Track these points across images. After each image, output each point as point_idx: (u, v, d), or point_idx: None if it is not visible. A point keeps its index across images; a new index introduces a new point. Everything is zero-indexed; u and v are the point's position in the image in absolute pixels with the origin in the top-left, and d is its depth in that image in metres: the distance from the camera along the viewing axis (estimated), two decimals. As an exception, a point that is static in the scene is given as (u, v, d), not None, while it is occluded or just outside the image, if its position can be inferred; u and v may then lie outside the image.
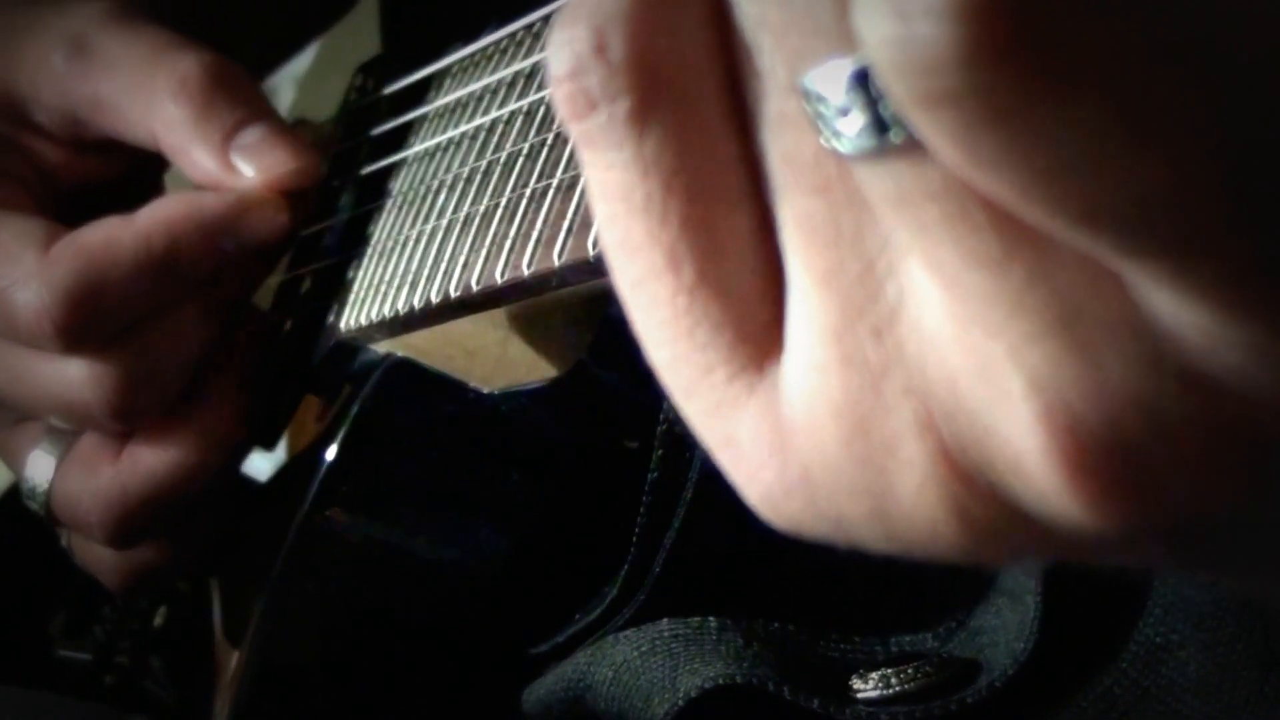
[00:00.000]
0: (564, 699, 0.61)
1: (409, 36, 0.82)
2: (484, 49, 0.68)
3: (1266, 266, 0.23)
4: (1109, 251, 0.24)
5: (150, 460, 0.67)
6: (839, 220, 0.28)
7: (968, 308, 0.26)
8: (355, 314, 0.69)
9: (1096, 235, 0.24)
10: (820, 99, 0.26)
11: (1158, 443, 0.26)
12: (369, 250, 0.71)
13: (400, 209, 0.70)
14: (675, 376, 0.31)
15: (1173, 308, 0.25)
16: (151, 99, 0.68)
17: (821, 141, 0.26)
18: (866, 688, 0.53)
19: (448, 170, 0.66)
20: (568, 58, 0.30)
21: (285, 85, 1.42)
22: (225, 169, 0.67)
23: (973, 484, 0.28)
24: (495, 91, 0.65)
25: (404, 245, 0.67)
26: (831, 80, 0.25)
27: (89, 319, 0.64)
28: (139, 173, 0.70)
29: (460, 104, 0.68)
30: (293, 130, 0.69)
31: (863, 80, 0.25)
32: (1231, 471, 0.26)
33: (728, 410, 0.31)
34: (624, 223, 0.31)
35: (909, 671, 0.53)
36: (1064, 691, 0.52)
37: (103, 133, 0.70)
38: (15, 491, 0.77)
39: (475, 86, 0.67)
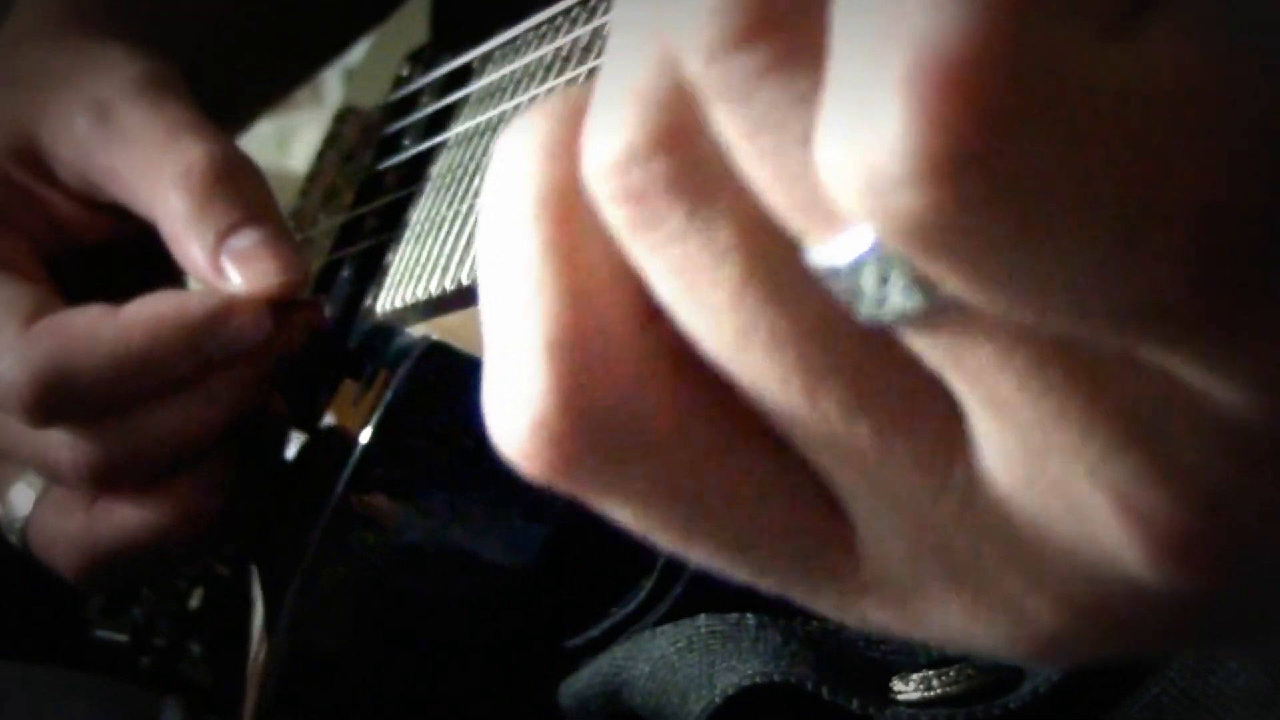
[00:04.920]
0: (600, 693, 0.59)
1: (456, 25, 0.80)
2: (524, 33, 0.66)
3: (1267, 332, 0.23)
4: (1149, 349, 0.23)
5: (123, 515, 0.64)
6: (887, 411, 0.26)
7: (1040, 440, 0.24)
8: (391, 296, 0.67)
9: (1126, 335, 0.23)
10: (847, 274, 0.23)
11: (1244, 516, 0.24)
12: (407, 233, 0.69)
13: (439, 192, 0.67)
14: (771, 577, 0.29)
15: (1221, 390, 0.23)
16: (157, 184, 0.65)
17: (863, 314, 0.23)
18: (907, 689, 0.50)
19: (484, 153, 0.64)
20: None
21: (333, 77, 1.41)
22: (214, 271, 0.63)
23: (1083, 617, 0.26)
24: (532, 74, 0.63)
25: (439, 228, 0.64)
26: (851, 252, 0.23)
27: (58, 403, 0.61)
28: (156, 235, 0.67)
29: (499, 87, 0.66)
30: (287, 236, 0.65)
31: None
32: None
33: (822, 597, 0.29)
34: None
35: (951, 674, 0.50)
36: (1110, 700, 0.49)
37: (115, 200, 0.67)
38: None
39: (513, 68, 0.65)
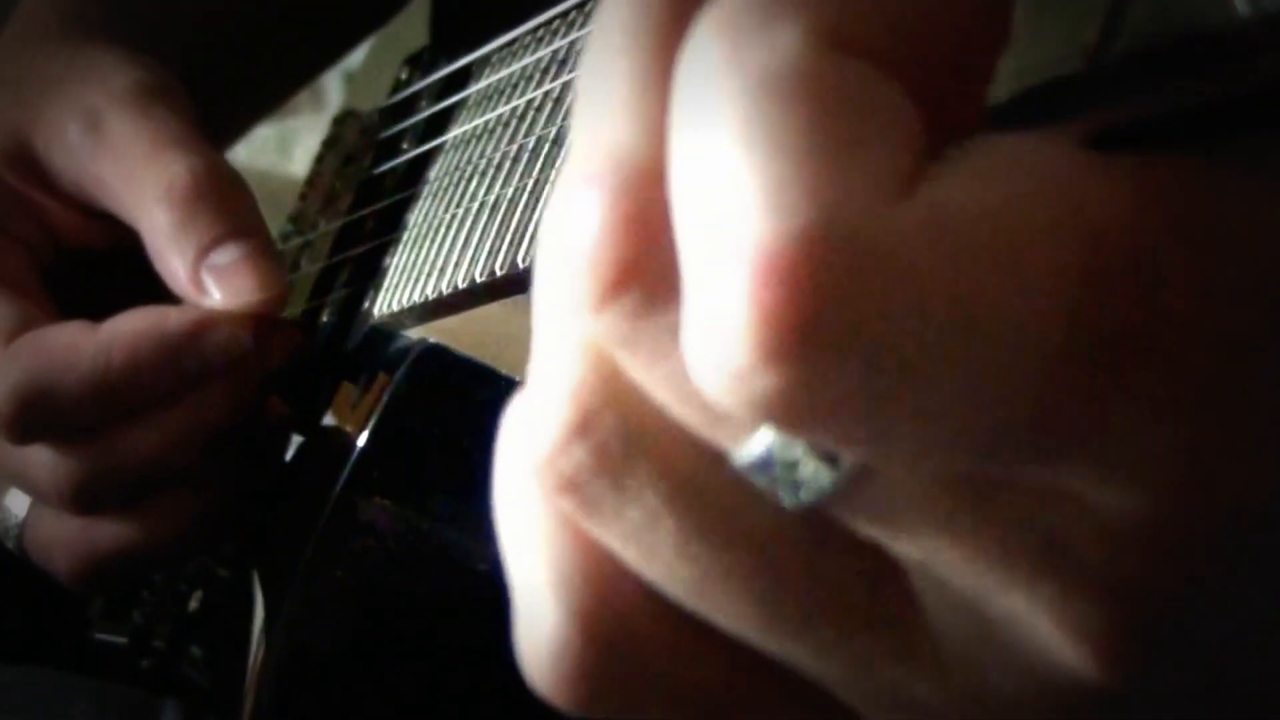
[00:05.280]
0: None
1: (455, 28, 0.79)
2: (521, 36, 0.65)
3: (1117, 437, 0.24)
4: (1029, 471, 0.25)
5: (117, 524, 0.64)
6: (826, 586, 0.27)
7: (974, 582, 0.26)
8: (388, 299, 0.66)
9: (998, 462, 0.24)
10: (764, 467, 0.25)
11: (1160, 606, 0.26)
12: (405, 237, 0.69)
13: (435, 195, 0.67)
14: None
15: (1108, 495, 0.25)
16: (141, 196, 0.64)
17: (789, 503, 0.25)
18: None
19: (480, 156, 0.63)
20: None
21: (334, 81, 1.41)
22: (195, 286, 0.63)
23: None
24: (529, 77, 0.62)
25: (436, 231, 0.64)
26: (758, 447, 0.25)
27: (37, 421, 0.61)
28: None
29: (496, 90, 0.66)
30: (269, 252, 0.64)
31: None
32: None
33: None
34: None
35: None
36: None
37: (106, 209, 0.67)
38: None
39: (510, 72, 0.65)
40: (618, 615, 0.28)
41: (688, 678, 0.28)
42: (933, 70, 0.24)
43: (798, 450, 0.25)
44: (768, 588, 0.27)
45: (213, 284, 0.63)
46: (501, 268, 0.55)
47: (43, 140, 0.67)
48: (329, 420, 0.69)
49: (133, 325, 0.61)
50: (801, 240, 0.23)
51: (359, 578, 0.64)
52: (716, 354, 0.23)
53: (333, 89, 1.40)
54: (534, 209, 0.54)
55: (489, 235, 0.57)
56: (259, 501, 0.69)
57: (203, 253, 0.63)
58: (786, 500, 0.26)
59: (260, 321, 0.63)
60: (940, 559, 0.26)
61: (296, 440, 0.71)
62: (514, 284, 0.55)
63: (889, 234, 0.23)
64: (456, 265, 0.59)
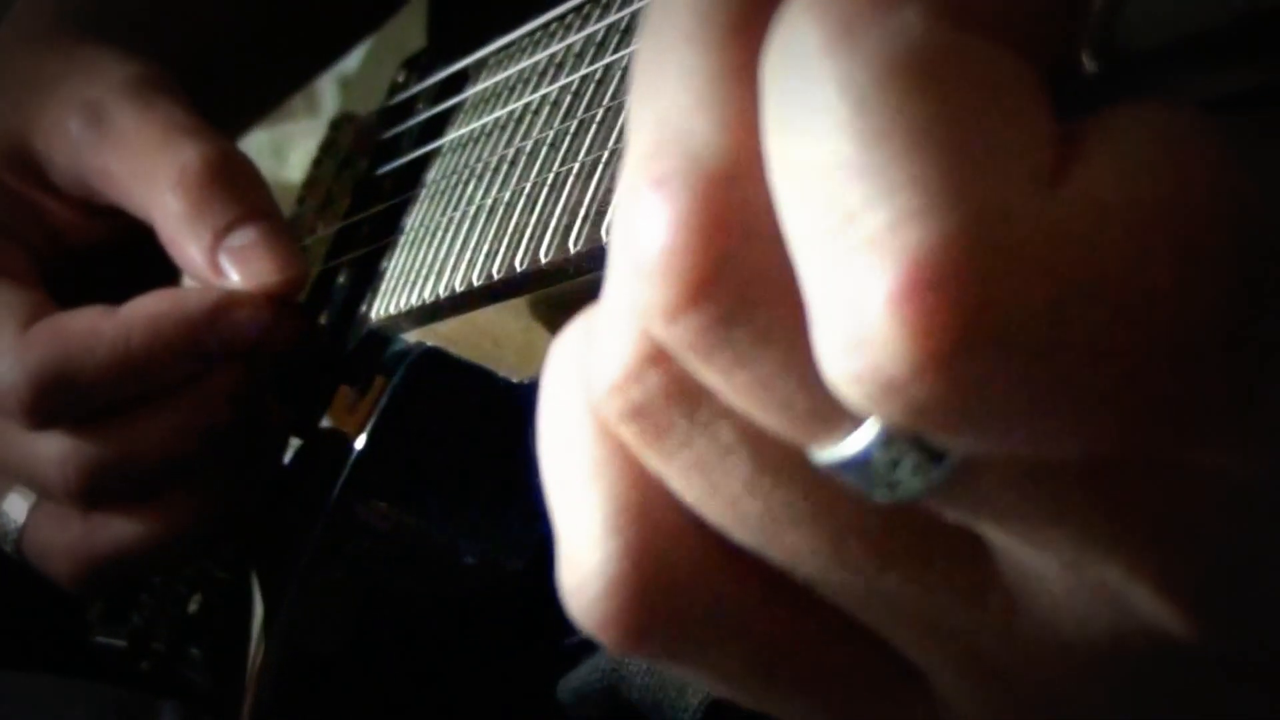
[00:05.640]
0: (598, 689, 0.59)
1: (453, 31, 0.79)
2: (519, 39, 0.65)
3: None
4: (1167, 446, 0.24)
5: (120, 525, 0.64)
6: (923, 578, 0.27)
7: (1072, 554, 0.25)
8: (386, 303, 0.66)
9: (1138, 438, 0.24)
10: (858, 467, 0.24)
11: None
12: (402, 240, 0.68)
13: (433, 198, 0.67)
14: None
15: (1233, 463, 0.24)
16: (152, 185, 0.64)
17: (877, 498, 0.24)
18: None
19: (478, 159, 0.63)
20: None
21: (328, 86, 1.41)
22: (212, 270, 0.63)
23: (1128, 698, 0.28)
24: (527, 80, 0.62)
25: (433, 234, 0.64)
26: (854, 448, 0.25)
27: (57, 404, 0.61)
28: (151, 236, 0.67)
29: (494, 93, 0.66)
30: (285, 233, 0.64)
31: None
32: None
33: None
34: None
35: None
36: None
37: (111, 203, 0.67)
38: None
39: (508, 75, 0.65)
40: (668, 550, 0.27)
41: (736, 618, 0.28)
42: (1041, 36, 0.23)
43: (902, 450, 0.24)
44: (837, 529, 0.26)
45: (231, 267, 0.63)
46: (499, 271, 0.55)
47: (43, 139, 0.67)
48: (327, 423, 0.70)
49: (152, 306, 0.62)
50: (955, 244, 0.22)
51: (357, 579, 0.64)
52: (863, 366, 0.22)
53: (327, 94, 1.40)
54: (531, 212, 0.54)
55: (487, 238, 0.57)
56: (257, 504, 0.69)
57: (219, 236, 0.63)
58: (876, 496, 0.25)
59: (275, 304, 0.63)
60: (1035, 535, 0.25)
61: (295, 443, 0.71)
62: (512, 287, 0.54)
63: (1047, 227, 0.22)
64: (454, 268, 0.59)
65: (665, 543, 0.27)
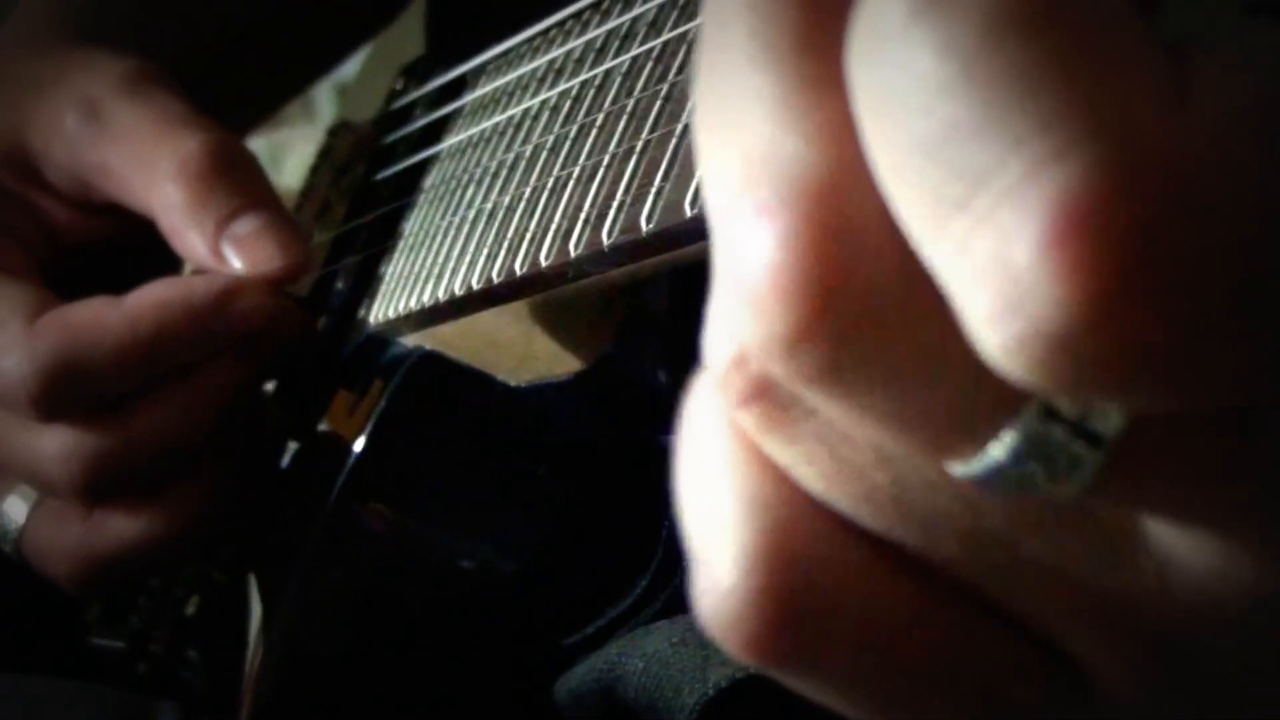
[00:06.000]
0: (595, 689, 0.59)
1: (451, 38, 0.79)
2: (517, 45, 0.66)
3: None
4: None
5: (119, 525, 0.64)
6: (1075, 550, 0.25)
7: (1242, 517, 0.24)
8: (384, 307, 0.67)
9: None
10: (1013, 464, 0.23)
11: None
12: (400, 244, 0.69)
13: (432, 203, 0.67)
14: None
15: None
16: (153, 177, 0.64)
17: (1048, 491, 0.23)
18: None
19: (478, 164, 0.63)
20: None
21: (325, 94, 1.41)
22: (216, 258, 0.63)
23: None
24: (526, 85, 0.62)
25: (432, 238, 0.64)
26: (1017, 442, 0.23)
27: (66, 394, 0.60)
28: (148, 233, 0.67)
29: (494, 98, 0.66)
30: (287, 219, 0.65)
31: (1052, 415, 0.23)
32: None
33: None
34: None
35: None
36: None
37: (109, 198, 0.67)
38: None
39: (507, 80, 0.65)
40: (803, 545, 0.26)
41: (879, 618, 0.26)
42: None
43: (1055, 436, 0.23)
44: (973, 498, 0.25)
45: (234, 254, 0.63)
46: (498, 275, 0.55)
47: (40, 137, 0.67)
48: (325, 427, 0.70)
49: (159, 294, 0.62)
50: (1099, 181, 0.20)
51: (355, 582, 0.64)
52: (1024, 327, 0.21)
53: (324, 101, 1.40)
54: (531, 216, 0.54)
55: (486, 242, 0.57)
56: (256, 506, 0.69)
57: (222, 225, 0.63)
58: (1040, 489, 0.23)
59: (280, 291, 0.64)
60: (1197, 506, 0.24)
61: (293, 447, 0.71)
62: (511, 291, 0.55)
63: (1190, 149, 0.21)
64: (453, 272, 0.60)
65: (800, 537, 0.26)
